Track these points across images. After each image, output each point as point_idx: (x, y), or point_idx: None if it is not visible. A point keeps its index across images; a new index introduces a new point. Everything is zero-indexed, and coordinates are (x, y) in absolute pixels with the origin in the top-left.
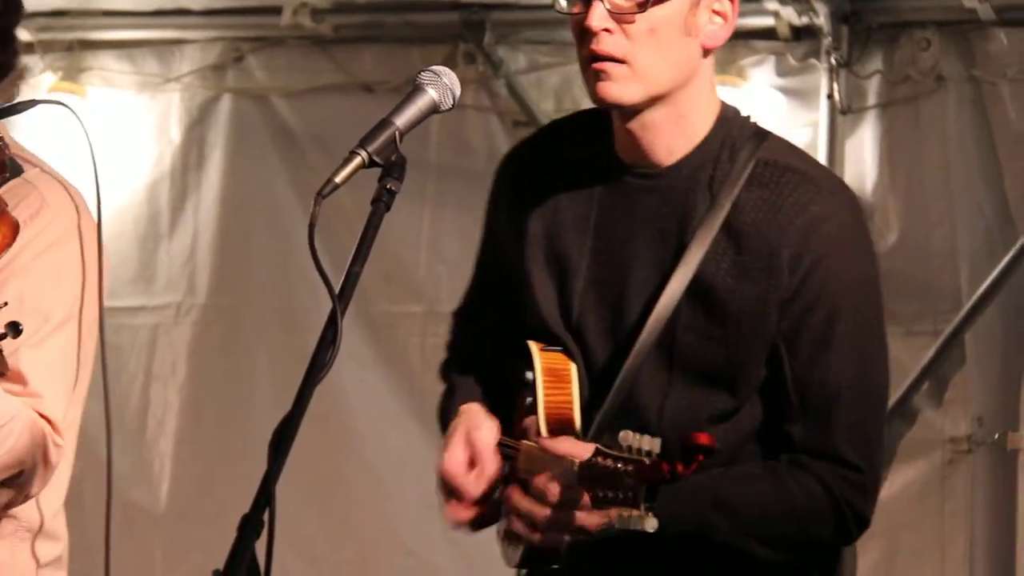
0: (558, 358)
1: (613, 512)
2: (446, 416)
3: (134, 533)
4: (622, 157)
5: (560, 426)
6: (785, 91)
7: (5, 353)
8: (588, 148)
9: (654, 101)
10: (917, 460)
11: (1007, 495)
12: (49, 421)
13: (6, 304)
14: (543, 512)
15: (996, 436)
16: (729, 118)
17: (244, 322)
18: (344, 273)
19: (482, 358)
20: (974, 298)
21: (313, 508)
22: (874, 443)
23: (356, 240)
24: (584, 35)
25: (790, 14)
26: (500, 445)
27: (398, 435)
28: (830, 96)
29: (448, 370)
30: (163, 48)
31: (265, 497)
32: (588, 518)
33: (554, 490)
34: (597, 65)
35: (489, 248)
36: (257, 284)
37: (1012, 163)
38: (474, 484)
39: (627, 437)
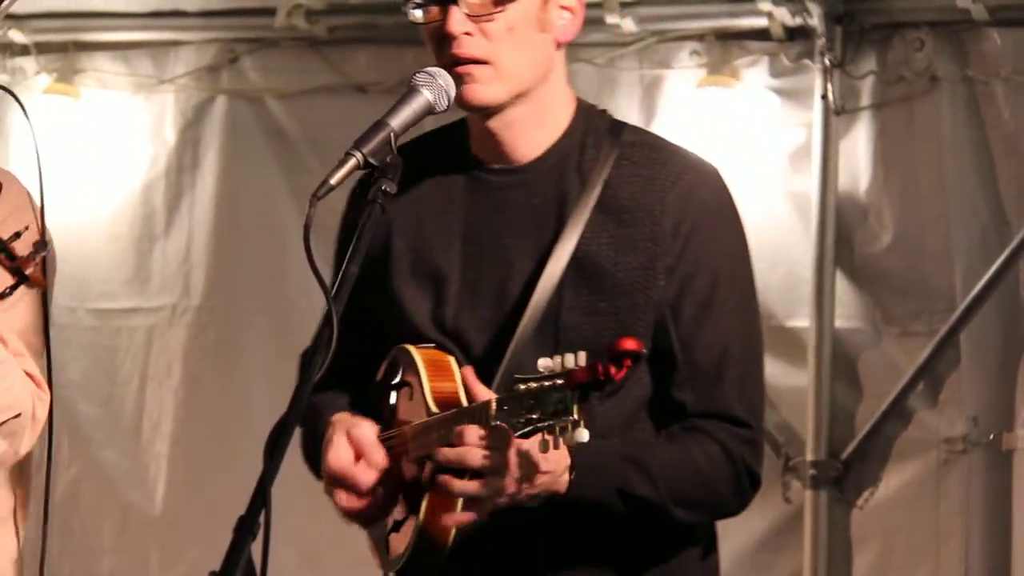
0: (435, 352)
1: (544, 435)
2: (314, 441)
3: (130, 535)
4: (481, 157)
5: (448, 409)
6: (779, 92)
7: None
8: (441, 158)
9: (517, 99)
10: (912, 460)
11: (1002, 495)
12: (32, 377)
13: (27, 228)
14: (473, 458)
15: (991, 436)
16: (587, 108)
17: (239, 323)
18: (339, 274)
19: (340, 382)
20: (969, 298)
21: (311, 508)
22: (759, 401)
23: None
24: (443, 41)
25: (783, 15)
26: (382, 440)
27: None
28: (824, 96)
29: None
30: (158, 49)
31: (261, 499)
32: (519, 450)
33: (473, 433)
34: (461, 69)
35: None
36: (252, 285)
37: (1006, 163)
38: (363, 473)
39: (546, 362)
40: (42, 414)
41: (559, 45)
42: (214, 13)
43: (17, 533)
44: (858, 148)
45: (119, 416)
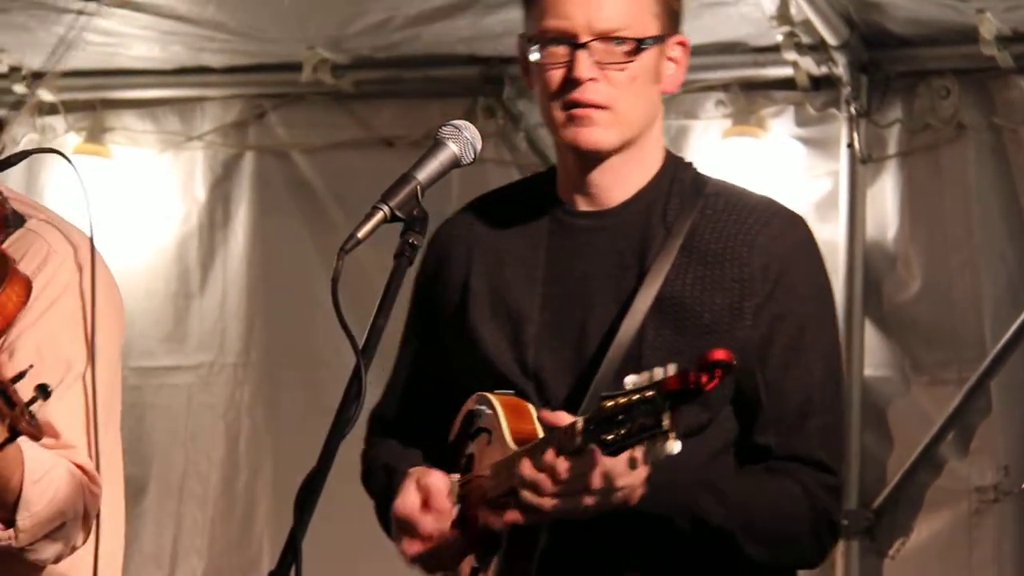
0: (514, 399)
1: (633, 451)
2: (388, 498)
3: None
4: (567, 201)
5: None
6: (805, 141)
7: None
8: (526, 203)
9: (626, 145)
10: (943, 510)
11: None
12: (84, 471)
13: (31, 367)
14: (558, 485)
15: (1023, 485)
16: (675, 160)
17: (272, 380)
18: (368, 327)
19: (413, 440)
20: (999, 346)
21: (341, 564)
22: (842, 447)
23: (379, 295)
24: (566, 84)
25: (809, 64)
26: (460, 485)
27: None
28: (850, 145)
29: (369, 476)
30: (184, 106)
31: (292, 553)
32: (613, 469)
33: (562, 465)
34: (580, 112)
35: (420, 327)
36: (283, 341)
37: None
38: (427, 519)
39: (632, 378)
40: (93, 508)
41: (662, 95)
42: (240, 69)
43: None
44: (885, 196)
45: (167, 476)
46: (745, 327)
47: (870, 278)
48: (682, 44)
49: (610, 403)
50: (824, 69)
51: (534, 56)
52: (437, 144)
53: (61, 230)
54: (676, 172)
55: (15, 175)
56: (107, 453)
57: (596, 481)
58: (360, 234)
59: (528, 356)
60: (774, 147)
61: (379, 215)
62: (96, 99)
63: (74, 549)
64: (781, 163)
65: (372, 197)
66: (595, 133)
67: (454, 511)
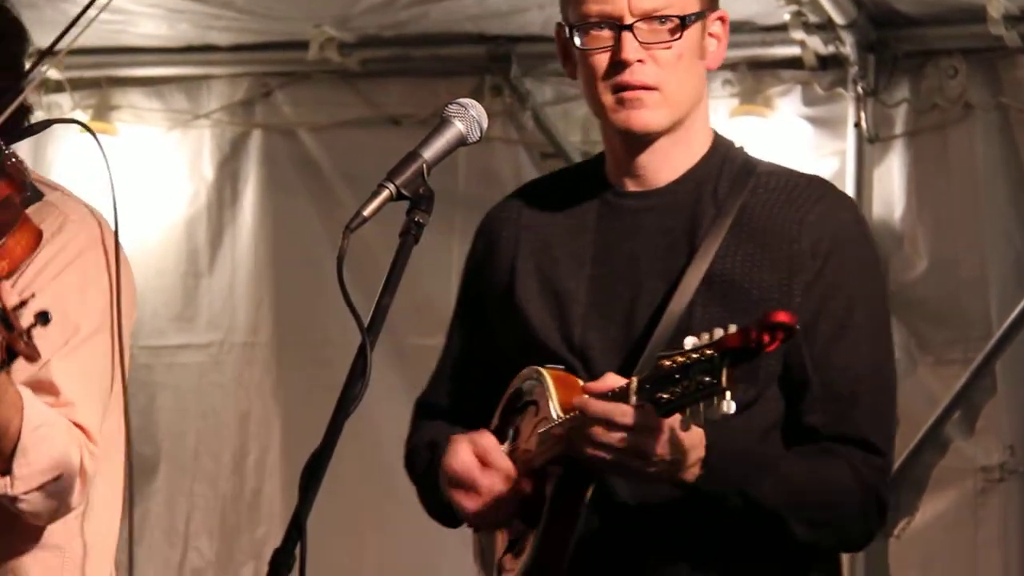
0: (563, 373)
1: (687, 411)
2: (431, 470)
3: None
4: (615, 181)
5: None
6: (812, 120)
7: (42, 368)
8: (575, 186)
9: (675, 125)
10: (949, 490)
11: None
12: (83, 429)
13: (33, 296)
14: (614, 435)
15: None
16: (724, 141)
17: (280, 359)
18: (373, 305)
19: (459, 419)
20: (1004, 326)
21: (347, 542)
22: (891, 428)
23: (385, 273)
24: (613, 67)
25: (816, 43)
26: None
27: None
28: (857, 125)
29: (413, 457)
30: (191, 84)
31: (296, 531)
32: (665, 430)
33: (617, 409)
34: (630, 94)
35: (469, 311)
36: (291, 320)
37: None
38: (486, 475)
39: (691, 339)
40: (90, 467)
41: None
42: (246, 47)
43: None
44: (892, 176)
45: (179, 452)
46: (794, 304)
47: None
48: (722, 19)
49: (667, 362)
50: (831, 48)
51: (577, 42)
52: (443, 122)
53: (77, 204)
54: (727, 153)
55: (22, 151)
56: (108, 429)
57: (647, 443)
58: (366, 212)
59: (575, 334)
60: (781, 126)
61: (385, 193)
62: (102, 77)
63: (68, 510)
64: (788, 142)
65: (379, 175)
66: (645, 115)
67: (509, 468)
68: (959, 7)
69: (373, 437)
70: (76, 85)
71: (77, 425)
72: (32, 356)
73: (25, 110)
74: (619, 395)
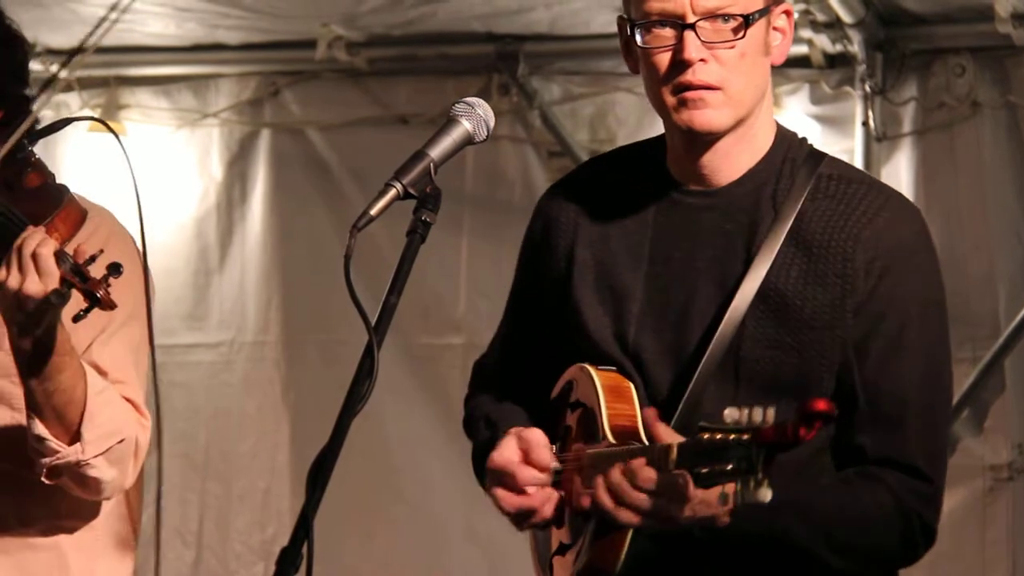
0: (615, 376)
1: (724, 488)
2: (483, 447)
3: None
4: (677, 177)
5: (624, 439)
6: (820, 119)
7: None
8: (635, 174)
9: (739, 123)
10: (957, 488)
11: None
12: (133, 404)
13: (102, 251)
14: (637, 497)
15: None
16: (788, 137)
17: (290, 358)
18: (380, 305)
19: (514, 397)
20: (1013, 324)
21: (355, 541)
22: (942, 453)
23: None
24: (674, 66)
25: (824, 42)
26: (557, 459)
27: (440, 468)
28: (865, 123)
29: (471, 424)
30: (199, 83)
31: (303, 530)
32: (700, 498)
33: (648, 474)
34: (692, 94)
35: (526, 289)
36: (300, 319)
37: None
38: (525, 470)
39: (732, 413)
40: (144, 441)
41: (772, 67)
42: (254, 46)
43: (132, 554)
44: (900, 174)
45: (193, 452)
46: (846, 325)
47: None
48: (787, 13)
49: (707, 436)
50: (839, 47)
51: (639, 40)
52: (450, 121)
53: (93, 203)
54: (789, 150)
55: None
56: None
57: (683, 510)
58: (373, 211)
59: (629, 335)
60: (789, 124)
61: (392, 192)
62: (111, 76)
63: (125, 484)
64: None
65: (388, 174)
66: (708, 115)
67: (554, 465)
68: (967, 6)
69: (381, 436)
70: (84, 84)
71: (127, 399)
72: (111, 304)
73: (29, 110)
74: (658, 459)
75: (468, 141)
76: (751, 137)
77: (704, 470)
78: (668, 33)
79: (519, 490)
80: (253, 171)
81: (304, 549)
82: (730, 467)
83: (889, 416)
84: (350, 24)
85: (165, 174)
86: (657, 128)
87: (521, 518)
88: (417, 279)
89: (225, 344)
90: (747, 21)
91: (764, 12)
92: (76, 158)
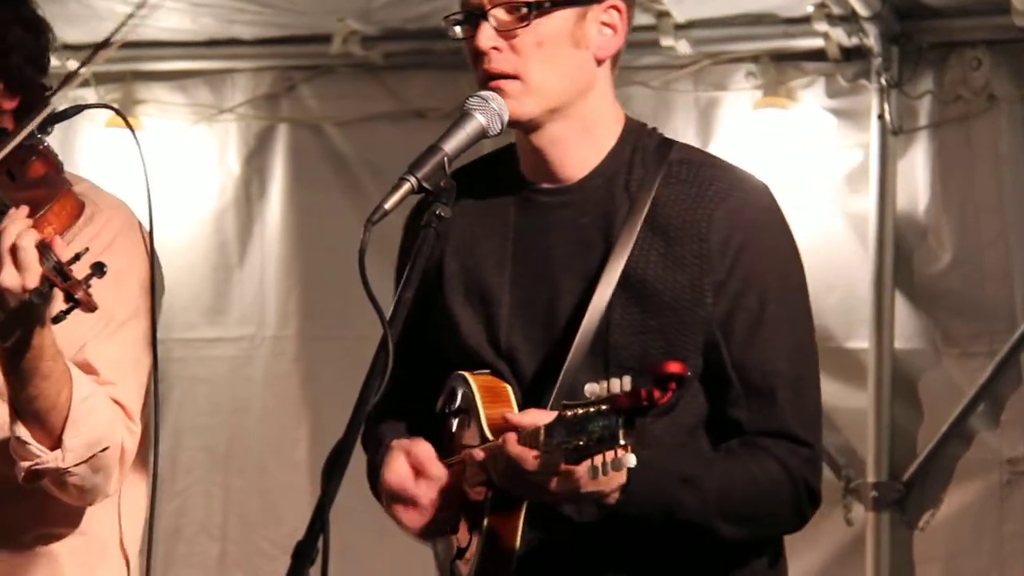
0: (491, 379)
1: (592, 461)
2: (376, 469)
3: (229, 564)
4: (530, 178)
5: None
6: (836, 112)
7: (87, 351)
8: (493, 180)
9: (554, 114)
10: (974, 481)
11: None
12: (123, 407)
13: (87, 250)
14: (524, 477)
15: None
16: (635, 127)
17: (309, 353)
18: (394, 299)
19: (401, 413)
20: None
21: (373, 537)
22: (816, 417)
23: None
24: (477, 57)
25: (840, 35)
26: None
27: None
28: (881, 117)
29: (367, 437)
30: (215, 78)
31: (319, 523)
32: (574, 475)
33: (524, 453)
34: (492, 84)
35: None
36: (319, 314)
37: None
38: (422, 487)
39: (592, 387)
40: (130, 446)
41: (599, 62)
42: (270, 41)
43: (127, 563)
44: (916, 168)
45: (215, 447)
46: (707, 304)
47: (901, 250)
48: (616, 8)
49: (570, 413)
50: (855, 40)
51: (454, 33)
52: (464, 115)
53: (105, 194)
54: (638, 140)
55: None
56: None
57: (555, 484)
58: (387, 205)
59: (501, 336)
60: (804, 118)
61: (406, 186)
62: (127, 71)
63: (108, 491)
64: (811, 135)
65: (405, 168)
66: (510, 104)
67: (445, 477)
68: None
69: None
70: (101, 79)
71: (117, 403)
72: (91, 305)
73: (46, 101)
74: (530, 439)
75: (482, 135)
76: (589, 130)
77: (571, 444)
78: (469, 26)
79: (418, 507)
80: (271, 166)
81: (320, 543)
82: (594, 439)
83: (760, 389)
84: (365, 18)
85: (183, 169)
86: (673, 120)
87: (426, 533)
88: None
89: (246, 339)
90: (532, 8)
91: (569, 3)
92: (93, 153)
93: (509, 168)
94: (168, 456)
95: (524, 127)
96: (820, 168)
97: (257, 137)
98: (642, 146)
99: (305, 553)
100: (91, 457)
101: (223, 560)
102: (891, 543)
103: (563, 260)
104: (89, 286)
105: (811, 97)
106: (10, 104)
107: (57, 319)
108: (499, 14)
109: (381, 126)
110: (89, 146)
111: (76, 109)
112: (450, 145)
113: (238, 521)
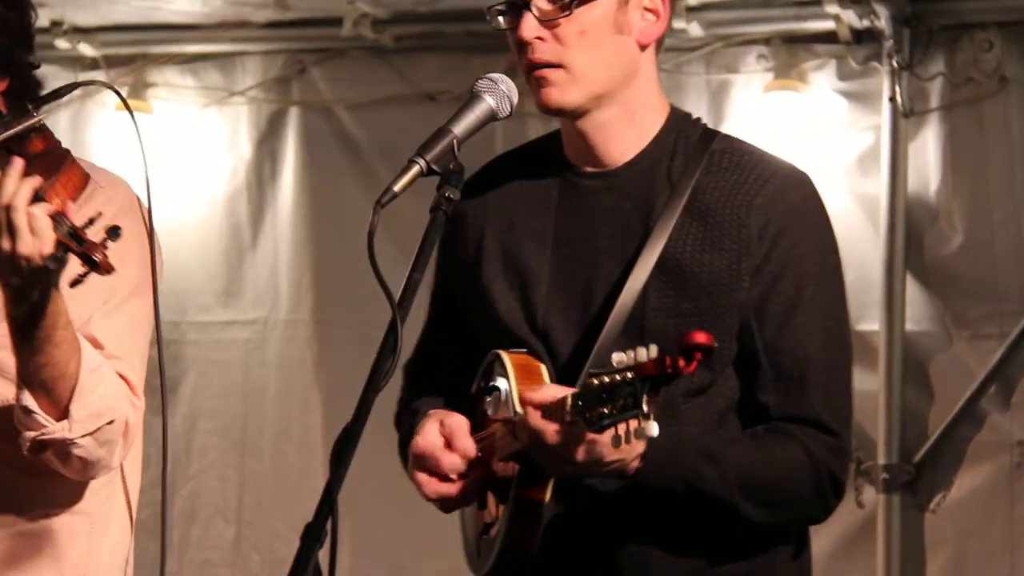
0: (526, 358)
1: (616, 429)
2: (409, 434)
3: (244, 547)
4: (574, 162)
5: None
6: (847, 95)
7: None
8: (537, 164)
9: (599, 101)
10: (985, 463)
11: None
12: (127, 382)
13: (100, 214)
14: (549, 447)
15: None
16: (680, 116)
17: (322, 335)
18: (404, 281)
19: (440, 391)
20: None
21: (390, 519)
22: (846, 407)
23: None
24: (521, 47)
25: (851, 17)
26: (475, 441)
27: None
28: (892, 99)
29: (401, 416)
30: (225, 61)
31: (328, 506)
32: (597, 444)
33: (549, 427)
34: (537, 73)
35: (442, 285)
36: (334, 296)
37: None
38: (448, 456)
39: (619, 356)
40: (135, 422)
41: (643, 47)
42: (280, 24)
43: (129, 540)
44: (927, 150)
45: (230, 430)
46: (743, 288)
47: (912, 232)
48: None
49: (595, 381)
50: (866, 22)
51: (497, 23)
52: (473, 97)
53: (106, 172)
54: (682, 128)
55: (60, 131)
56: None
57: (580, 454)
58: (396, 188)
59: (538, 316)
60: (816, 101)
61: (415, 169)
62: (137, 54)
63: (111, 465)
64: (823, 117)
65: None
66: (553, 93)
67: (473, 450)
68: None
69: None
70: (111, 62)
71: (122, 377)
72: (109, 267)
73: (38, 81)
74: (555, 409)
75: (491, 117)
76: (630, 116)
77: (595, 413)
78: (511, 16)
79: (441, 475)
80: (282, 149)
81: (329, 525)
82: (618, 406)
83: (791, 374)
84: (375, 1)
85: (194, 153)
86: (684, 103)
87: (444, 503)
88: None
89: (260, 322)
90: None
91: None
92: (103, 136)
93: (554, 152)
94: (183, 439)
95: (569, 115)
96: (831, 150)
97: (268, 120)
98: (685, 134)
99: (314, 535)
100: (96, 429)
101: (238, 543)
102: (902, 525)
103: (603, 243)
104: (106, 248)
105: (822, 79)
106: (0, 86)
107: (75, 283)
108: (541, 4)
109: (392, 109)
110: (99, 130)
111: (70, 87)
112: (459, 127)
113: (253, 504)
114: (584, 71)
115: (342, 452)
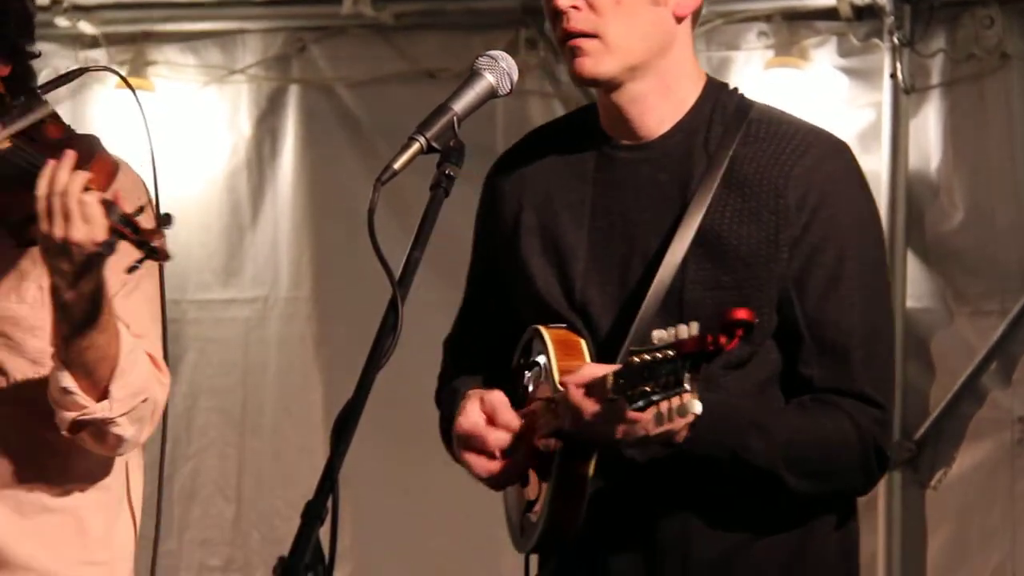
0: (566, 333)
1: (658, 407)
2: (451, 421)
3: (244, 525)
4: (610, 135)
5: None
6: (848, 71)
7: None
8: (573, 137)
9: (634, 72)
10: (986, 440)
11: None
12: (153, 360)
13: (150, 202)
14: (590, 426)
15: None
16: (716, 86)
17: (323, 313)
18: (404, 259)
19: (479, 368)
20: None
21: (393, 495)
22: (890, 379)
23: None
24: (556, 16)
25: None
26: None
27: None
28: (893, 75)
29: (441, 393)
30: (226, 39)
31: (329, 483)
32: (640, 422)
33: (592, 405)
34: (571, 42)
35: (480, 260)
36: (334, 275)
37: None
38: (493, 433)
39: (659, 333)
40: (162, 399)
41: (679, 19)
42: (280, 1)
43: (133, 516)
44: (928, 127)
45: (230, 409)
46: (782, 260)
47: (913, 209)
48: None
49: (636, 359)
50: None
51: None
52: (473, 75)
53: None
54: (718, 98)
55: (60, 109)
56: None
57: (621, 432)
58: (396, 165)
59: (576, 291)
60: (816, 78)
61: (415, 146)
62: (138, 32)
63: (139, 443)
64: (823, 94)
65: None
66: (587, 63)
67: (517, 424)
68: None
69: (420, 390)
70: (111, 40)
71: (148, 355)
72: (166, 255)
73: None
74: (596, 387)
75: (492, 94)
76: (669, 87)
77: (637, 391)
78: None
79: (489, 453)
80: (282, 127)
81: (329, 503)
82: (660, 384)
83: (834, 346)
84: None
85: (194, 131)
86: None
87: (495, 481)
88: (447, 234)
89: (260, 300)
90: None
91: None
92: (103, 115)
93: (590, 125)
94: (183, 418)
95: (605, 86)
96: (832, 127)
97: (268, 98)
98: (722, 105)
99: (315, 513)
100: (133, 408)
101: (238, 521)
102: (903, 502)
103: (640, 216)
104: (163, 235)
105: (823, 56)
106: (2, 72)
107: (132, 269)
108: None
109: (392, 87)
110: (100, 108)
111: (77, 72)
112: (459, 104)
113: (253, 482)
114: (619, 41)
115: (343, 430)
